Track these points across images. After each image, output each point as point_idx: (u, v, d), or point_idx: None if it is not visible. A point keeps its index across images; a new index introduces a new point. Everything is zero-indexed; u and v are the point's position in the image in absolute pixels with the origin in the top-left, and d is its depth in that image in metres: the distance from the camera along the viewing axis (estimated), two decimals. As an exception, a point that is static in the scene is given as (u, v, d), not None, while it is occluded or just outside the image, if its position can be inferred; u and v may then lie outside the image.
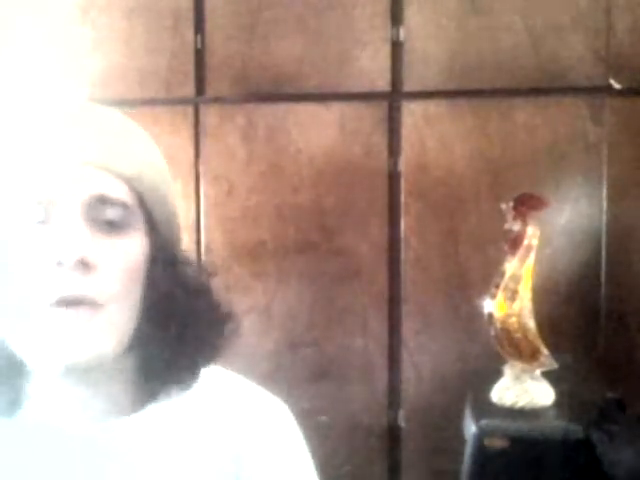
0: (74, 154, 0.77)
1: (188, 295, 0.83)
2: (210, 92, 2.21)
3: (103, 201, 0.77)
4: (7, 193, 0.77)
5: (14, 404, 0.81)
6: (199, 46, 2.19)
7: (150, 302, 0.80)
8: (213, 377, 0.89)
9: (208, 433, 0.85)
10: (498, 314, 1.73)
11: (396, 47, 2.14)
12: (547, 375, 1.76)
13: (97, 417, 0.81)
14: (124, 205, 0.78)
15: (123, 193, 0.78)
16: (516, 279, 1.73)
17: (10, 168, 0.77)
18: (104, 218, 0.77)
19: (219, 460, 0.84)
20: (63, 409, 0.80)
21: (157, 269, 0.81)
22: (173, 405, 0.85)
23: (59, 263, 0.73)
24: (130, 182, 0.79)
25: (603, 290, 2.08)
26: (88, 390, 0.80)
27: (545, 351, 1.74)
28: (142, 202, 0.80)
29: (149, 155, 0.83)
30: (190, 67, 2.20)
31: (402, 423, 2.18)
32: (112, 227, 0.77)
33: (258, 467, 0.86)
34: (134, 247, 0.79)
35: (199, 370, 0.85)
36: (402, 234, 2.15)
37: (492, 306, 1.74)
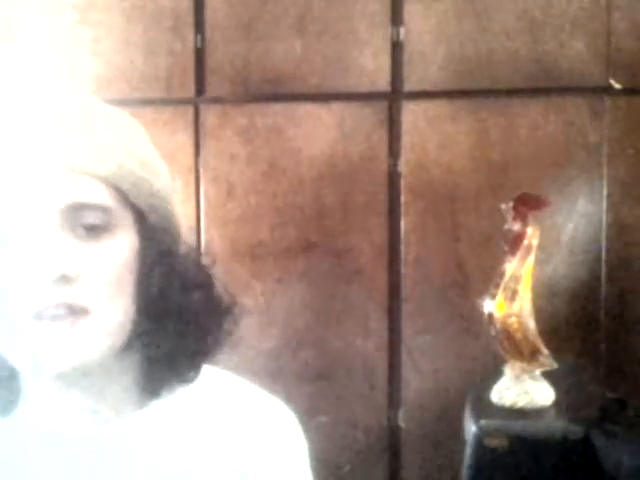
0: (47, 159, 0.73)
1: (186, 289, 0.80)
2: (210, 92, 2.21)
3: (81, 208, 0.74)
4: None
5: (9, 403, 0.80)
6: (199, 46, 2.19)
7: (146, 299, 0.78)
8: (216, 378, 0.88)
9: (211, 432, 0.84)
10: (498, 314, 1.73)
11: (396, 47, 2.14)
12: (547, 375, 1.76)
13: (98, 418, 0.80)
14: (104, 208, 0.75)
15: (103, 195, 0.75)
16: (516, 279, 1.73)
17: None
18: (84, 223, 0.74)
19: (222, 458, 0.84)
20: (61, 410, 0.79)
21: (150, 265, 0.78)
22: (176, 403, 0.84)
23: (39, 278, 0.71)
24: (110, 181, 0.75)
25: (603, 290, 2.08)
26: (87, 392, 0.79)
27: (545, 351, 1.74)
28: (127, 199, 0.77)
29: (133, 147, 0.79)
30: (190, 67, 2.20)
31: (402, 423, 2.18)
32: (94, 231, 0.74)
33: (261, 465, 0.85)
34: (120, 249, 0.76)
35: (201, 364, 0.84)
36: (402, 234, 2.15)
37: (492, 306, 1.74)
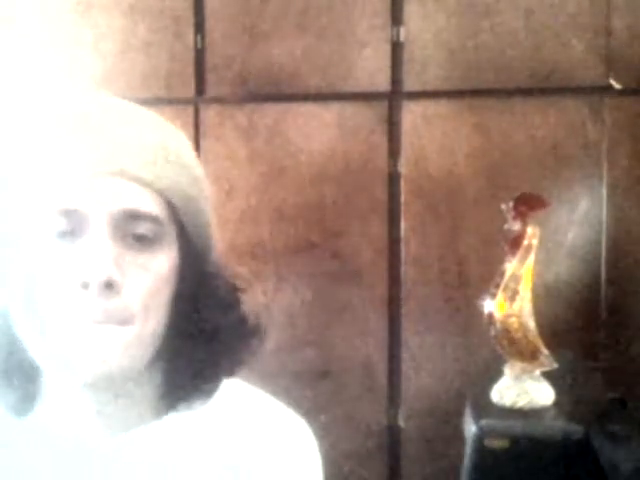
0: (104, 163, 0.73)
1: (216, 308, 0.81)
2: (210, 92, 2.21)
3: (134, 216, 0.73)
4: (32, 202, 0.73)
5: (25, 403, 0.79)
6: (199, 46, 2.19)
7: (177, 315, 0.78)
8: (234, 390, 0.87)
9: (225, 446, 0.83)
10: (498, 314, 1.73)
11: (396, 47, 2.14)
12: (547, 375, 1.76)
13: (115, 426, 0.79)
14: (156, 220, 0.74)
15: (156, 206, 0.74)
16: (516, 279, 1.73)
17: (34, 175, 0.73)
18: (134, 233, 0.73)
19: (234, 473, 0.83)
20: (78, 415, 0.78)
21: (186, 282, 0.78)
22: (192, 414, 0.83)
23: (84, 284, 0.70)
24: (164, 194, 0.75)
25: (603, 290, 2.08)
26: (107, 399, 0.78)
27: (545, 351, 1.74)
28: (175, 214, 0.77)
29: (186, 162, 0.80)
30: (190, 67, 2.20)
31: (402, 423, 2.18)
32: (142, 242, 0.74)
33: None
34: (163, 263, 0.76)
35: (221, 381, 0.84)
36: (402, 234, 2.15)
37: (492, 306, 1.74)
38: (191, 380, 0.81)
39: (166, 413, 0.82)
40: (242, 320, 0.84)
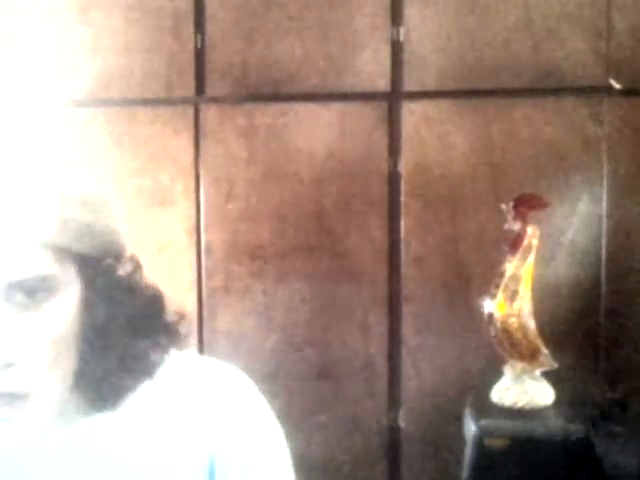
0: None
1: (130, 321, 0.79)
2: (210, 92, 2.21)
3: (21, 284, 0.71)
4: None
5: None
6: (199, 46, 2.19)
7: (91, 335, 0.77)
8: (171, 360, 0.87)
9: (171, 419, 0.84)
10: (498, 314, 1.73)
11: (396, 47, 2.13)
12: (547, 375, 1.76)
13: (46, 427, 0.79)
14: (45, 277, 0.72)
15: (43, 264, 0.71)
16: (516, 279, 1.73)
17: None
18: (24, 289, 0.71)
19: (186, 446, 0.84)
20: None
21: (98, 307, 0.77)
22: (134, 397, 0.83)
23: None
24: (49, 244, 0.72)
25: (603, 290, 2.08)
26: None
27: (545, 351, 1.75)
28: (69, 252, 0.74)
29: (69, 189, 0.74)
30: (190, 67, 2.20)
31: (402, 423, 2.18)
32: (35, 296, 0.71)
33: (228, 444, 0.85)
34: (64, 307, 0.74)
35: (143, 380, 0.83)
36: (402, 234, 2.15)
37: (492, 306, 1.74)
38: (111, 385, 0.80)
39: (95, 414, 0.82)
40: (159, 326, 0.82)
